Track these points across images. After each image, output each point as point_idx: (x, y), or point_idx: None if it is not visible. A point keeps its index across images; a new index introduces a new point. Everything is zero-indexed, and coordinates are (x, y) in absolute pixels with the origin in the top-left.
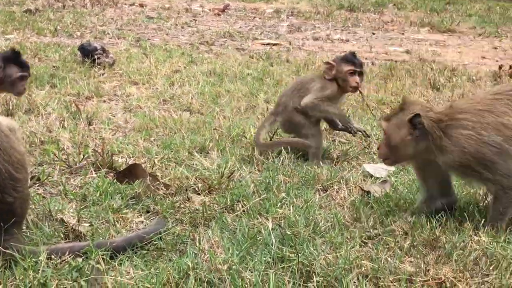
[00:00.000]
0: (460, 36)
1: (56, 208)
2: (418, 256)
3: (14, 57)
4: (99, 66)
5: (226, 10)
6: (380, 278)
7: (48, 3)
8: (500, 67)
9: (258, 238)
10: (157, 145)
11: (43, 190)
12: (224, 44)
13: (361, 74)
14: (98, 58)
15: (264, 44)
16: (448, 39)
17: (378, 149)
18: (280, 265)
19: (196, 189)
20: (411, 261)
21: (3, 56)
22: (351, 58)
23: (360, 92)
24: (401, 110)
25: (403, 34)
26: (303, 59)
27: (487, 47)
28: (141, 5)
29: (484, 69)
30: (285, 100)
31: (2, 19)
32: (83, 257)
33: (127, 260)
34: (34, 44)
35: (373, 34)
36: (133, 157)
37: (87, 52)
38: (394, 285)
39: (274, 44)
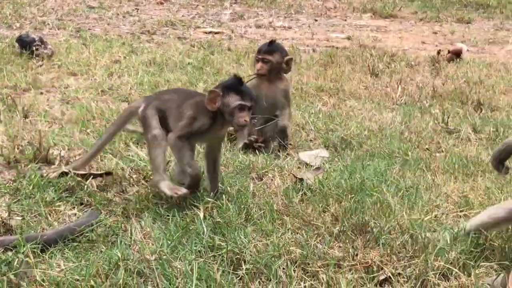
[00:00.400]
0: (402, 22)
1: None
2: (347, 241)
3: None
4: (37, 58)
5: None
6: (308, 264)
7: None
8: (438, 52)
9: (190, 228)
10: (93, 137)
11: None
12: (166, 33)
13: (265, 61)
14: (37, 49)
15: (206, 33)
16: (389, 25)
17: None
18: (211, 253)
19: (131, 180)
20: (340, 246)
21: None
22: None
23: (256, 75)
24: None
25: (345, 20)
26: (244, 47)
27: (428, 32)
28: None
29: (423, 54)
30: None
31: None
32: (13, 251)
33: (58, 253)
34: None
35: (316, 20)
36: (68, 149)
37: (25, 44)
38: (322, 270)
39: (216, 33)
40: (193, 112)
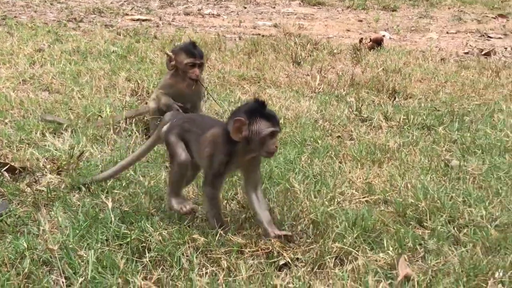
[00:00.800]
0: (329, 9)
1: None
2: (251, 228)
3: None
4: None
5: None
6: (211, 251)
7: None
8: (360, 40)
9: (100, 217)
10: (11, 127)
11: None
12: (93, 21)
13: (201, 65)
14: None
15: (134, 20)
16: (317, 12)
17: None
18: (117, 242)
19: (45, 170)
20: (244, 234)
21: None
22: (191, 50)
23: (201, 83)
24: None
25: (274, 7)
26: (170, 35)
27: (353, 20)
28: None
29: (347, 42)
30: None
31: None
32: None
33: None
34: None
35: (245, 8)
36: None
37: None
38: (224, 257)
39: (144, 20)
40: (210, 149)
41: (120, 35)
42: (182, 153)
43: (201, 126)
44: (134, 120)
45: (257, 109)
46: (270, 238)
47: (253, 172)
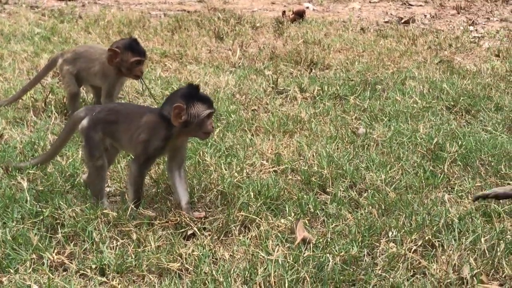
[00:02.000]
0: None
1: None
2: (161, 201)
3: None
4: None
5: None
6: (123, 224)
7: None
8: (283, 13)
9: (16, 197)
10: None
11: None
12: (19, 2)
13: (143, 62)
14: None
15: (60, 0)
16: None
17: None
18: (31, 220)
19: None
20: (155, 207)
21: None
22: (137, 48)
23: (142, 80)
24: None
25: None
26: (95, 15)
27: None
28: None
29: (270, 16)
30: (82, 63)
31: None
32: None
33: None
34: None
35: None
36: None
37: None
38: (135, 229)
39: (70, 0)
40: (146, 135)
41: (45, 16)
42: (101, 157)
43: (129, 116)
44: (53, 101)
45: (193, 93)
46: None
47: (180, 152)
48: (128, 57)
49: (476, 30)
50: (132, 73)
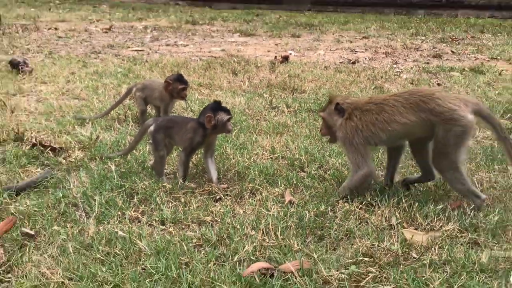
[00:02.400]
0: (258, 38)
1: None
2: (199, 178)
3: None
4: (22, 73)
5: (111, 29)
6: (175, 193)
7: None
8: (275, 57)
9: (108, 176)
10: (54, 122)
11: None
12: (107, 53)
13: (187, 88)
14: (22, 68)
15: (133, 51)
16: (250, 40)
17: (320, 131)
18: (118, 190)
19: (75, 149)
20: (196, 181)
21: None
22: (182, 79)
23: (186, 101)
24: (329, 103)
25: (223, 38)
26: (156, 60)
27: (272, 44)
28: (56, 29)
29: (267, 59)
30: (148, 91)
31: None
32: None
33: (26, 195)
34: None
35: (204, 39)
36: (37, 131)
37: (14, 64)
38: (183, 195)
39: (139, 50)
40: (191, 135)
41: (124, 61)
42: (162, 150)
43: (180, 123)
44: (130, 115)
45: (217, 106)
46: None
47: (211, 146)
48: (177, 85)
49: (397, 67)
50: (179, 96)
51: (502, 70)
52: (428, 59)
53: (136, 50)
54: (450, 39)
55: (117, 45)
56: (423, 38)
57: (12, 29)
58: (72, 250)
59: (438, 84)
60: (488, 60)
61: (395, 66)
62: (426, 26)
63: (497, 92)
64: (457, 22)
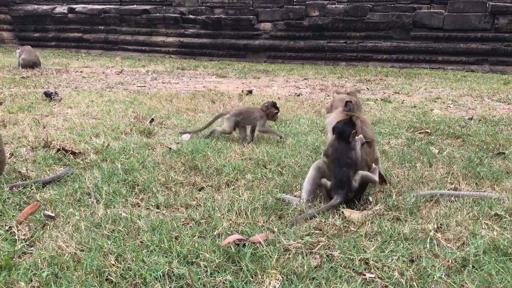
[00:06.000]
0: (229, 79)
1: (18, 166)
2: (190, 174)
3: (274, 104)
4: (54, 101)
5: (122, 72)
6: (168, 184)
7: (32, 73)
8: (242, 91)
9: (115, 172)
10: (76, 135)
11: (15, 159)
12: (119, 87)
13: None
14: (53, 97)
15: (138, 86)
16: (223, 80)
17: (327, 107)
18: (122, 183)
19: (90, 153)
20: (192, 175)
21: (272, 103)
22: (276, 105)
23: (275, 120)
24: (348, 94)
25: (204, 79)
26: (154, 93)
27: (240, 83)
28: (81, 72)
29: (236, 92)
30: (245, 115)
31: (8, 81)
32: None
33: (51, 187)
34: (24, 93)
35: (190, 79)
36: (62, 141)
37: (48, 94)
38: (171, 185)
39: (142, 86)
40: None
41: (130, 93)
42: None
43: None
44: (133, 129)
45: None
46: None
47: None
48: (273, 110)
49: (329, 97)
50: (273, 118)
51: (403, 101)
52: None
53: (140, 86)
54: (365, 80)
55: (126, 83)
56: (346, 79)
57: (48, 72)
58: (84, 228)
59: None
60: (393, 94)
61: (328, 97)
62: (347, 72)
63: (402, 114)
64: (369, 70)
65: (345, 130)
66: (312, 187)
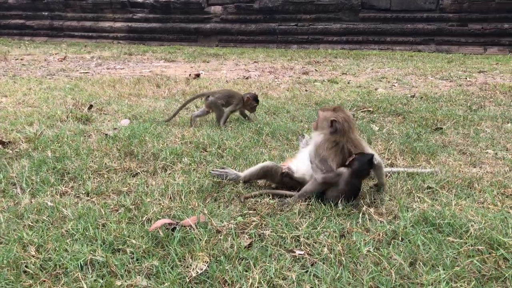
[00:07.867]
0: (177, 63)
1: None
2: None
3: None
4: None
5: (65, 58)
6: (100, 171)
7: None
8: (189, 75)
9: (47, 162)
10: (7, 124)
11: None
12: (61, 74)
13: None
14: None
15: (81, 73)
16: (171, 64)
17: (313, 124)
18: (51, 171)
19: (21, 142)
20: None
21: (254, 96)
22: (256, 98)
23: (254, 112)
24: (333, 110)
25: (151, 64)
26: (97, 79)
27: (188, 66)
28: (21, 59)
29: (184, 76)
30: (219, 95)
31: None
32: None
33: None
34: None
35: (137, 64)
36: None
37: None
38: (105, 173)
39: (86, 72)
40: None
41: (72, 80)
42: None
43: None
44: (70, 116)
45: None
46: None
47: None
48: (252, 101)
49: (278, 80)
50: (251, 109)
51: (349, 81)
52: (299, 75)
53: (82, 72)
54: (314, 62)
55: (69, 69)
56: (295, 62)
57: None
58: (5, 219)
59: (306, 91)
60: (340, 75)
61: (276, 80)
62: (298, 54)
63: (346, 94)
64: (319, 52)
65: (364, 170)
66: (256, 172)
